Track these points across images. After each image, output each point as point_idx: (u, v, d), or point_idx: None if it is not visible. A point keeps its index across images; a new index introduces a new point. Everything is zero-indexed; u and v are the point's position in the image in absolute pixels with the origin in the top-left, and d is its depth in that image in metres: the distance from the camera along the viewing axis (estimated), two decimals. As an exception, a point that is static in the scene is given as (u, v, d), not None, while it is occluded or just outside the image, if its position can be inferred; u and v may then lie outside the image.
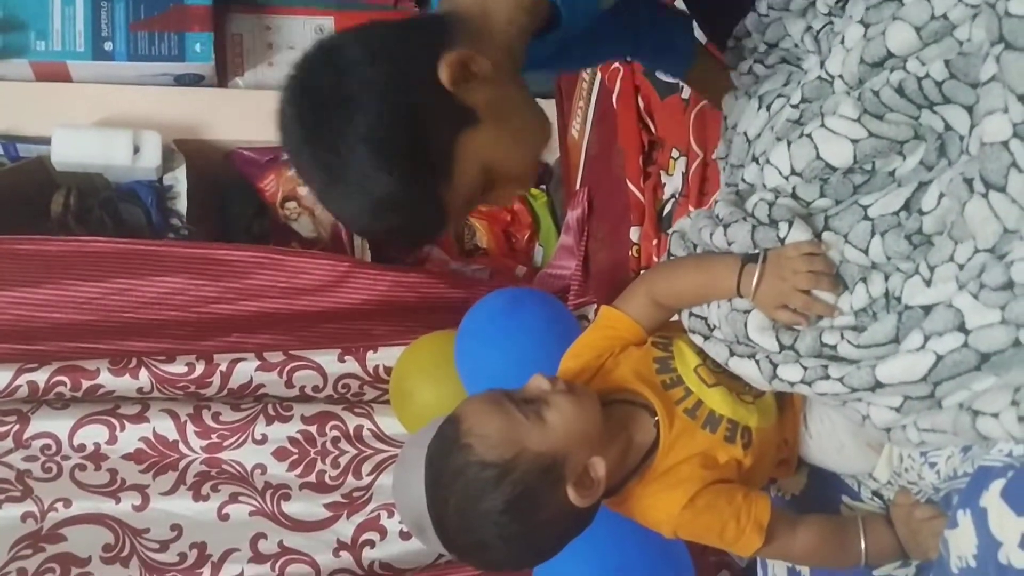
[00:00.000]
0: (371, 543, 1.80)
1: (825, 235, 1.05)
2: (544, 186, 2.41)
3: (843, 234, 1.04)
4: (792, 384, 1.05)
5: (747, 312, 1.09)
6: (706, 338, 1.14)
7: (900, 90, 0.97)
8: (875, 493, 1.20)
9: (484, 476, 1.01)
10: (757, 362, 1.08)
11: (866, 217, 1.02)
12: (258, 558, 1.76)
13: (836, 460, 1.20)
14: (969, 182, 0.89)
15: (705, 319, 1.15)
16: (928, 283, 0.94)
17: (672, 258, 1.23)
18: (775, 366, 1.06)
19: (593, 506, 1.08)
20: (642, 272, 1.59)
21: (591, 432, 1.06)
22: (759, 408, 1.15)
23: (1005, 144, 0.85)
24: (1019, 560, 0.84)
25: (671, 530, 1.10)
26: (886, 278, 1.00)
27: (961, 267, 0.91)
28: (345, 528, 1.80)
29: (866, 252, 1.01)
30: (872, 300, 1.00)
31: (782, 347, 1.06)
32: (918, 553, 1.10)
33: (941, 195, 0.95)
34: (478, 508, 1.02)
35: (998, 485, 0.87)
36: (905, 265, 0.98)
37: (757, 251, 1.08)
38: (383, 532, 1.81)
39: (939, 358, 0.91)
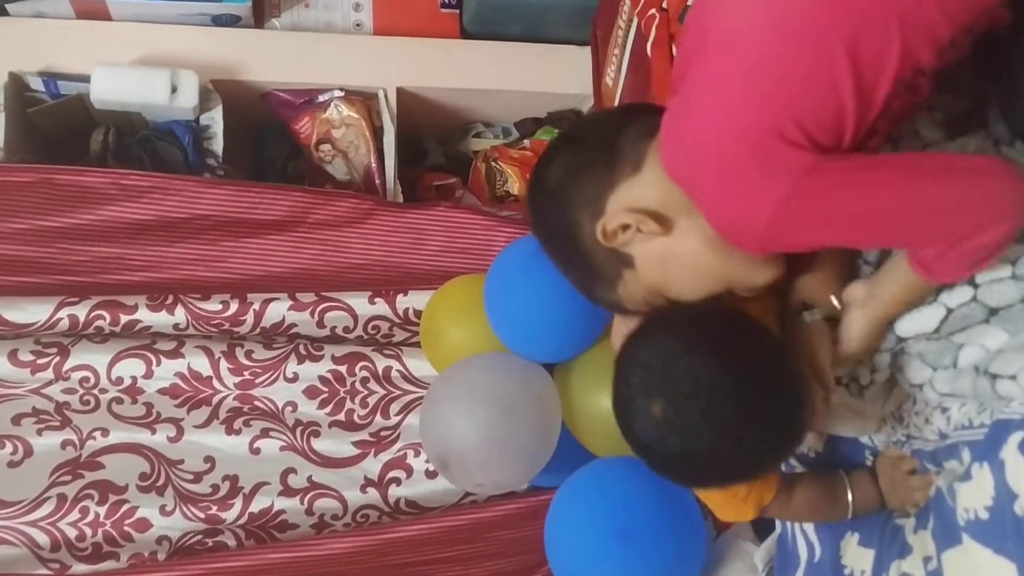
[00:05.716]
0: (397, 481, 1.83)
1: None
2: (577, 134, 2.40)
3: None
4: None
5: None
6: None
7: None
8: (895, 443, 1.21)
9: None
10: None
11: None
12: (288, 492, 1.79)
13: None
14: (995, 142, 0.89)
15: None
16: None
17: None
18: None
19: None
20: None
21: None
22: None
23: None
24: (1034, 511, 0.85)
25: None
26: None
27: None
28: (372, 466, 1.83)
29: None
30: None
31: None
32: (896, 503, 1.15)
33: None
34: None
35: (1016, 438, 0.88)
36: None
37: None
38: (409, 471, 1.84)
39: (949, 311, 0.91)
